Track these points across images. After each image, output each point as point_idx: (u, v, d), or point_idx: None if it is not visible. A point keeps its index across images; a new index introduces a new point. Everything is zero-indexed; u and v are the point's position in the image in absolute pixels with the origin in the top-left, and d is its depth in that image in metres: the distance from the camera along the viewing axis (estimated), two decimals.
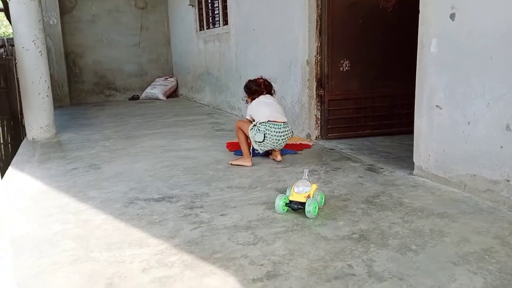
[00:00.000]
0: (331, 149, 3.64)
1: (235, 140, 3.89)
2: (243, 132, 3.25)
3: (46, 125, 4.61)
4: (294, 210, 2.17)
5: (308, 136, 4.05)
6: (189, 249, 1.83)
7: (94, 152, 3.83)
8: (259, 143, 3.16)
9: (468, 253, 1.72)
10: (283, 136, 3.15)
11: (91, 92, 8.43)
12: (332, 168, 3.03)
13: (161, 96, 8.25)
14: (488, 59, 2.20)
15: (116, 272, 1.67)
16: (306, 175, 2.29)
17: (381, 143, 3.80)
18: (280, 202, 2.18)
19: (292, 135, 3.27)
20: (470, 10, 2.28)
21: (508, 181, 2.16)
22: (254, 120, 3.25)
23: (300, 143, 3.81)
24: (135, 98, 8.52)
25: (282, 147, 3.23)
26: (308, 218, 2.11)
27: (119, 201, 2.48)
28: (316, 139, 4.02)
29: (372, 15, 3.84)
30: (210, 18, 6.77)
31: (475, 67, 2.27)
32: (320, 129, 4.04)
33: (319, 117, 4.01)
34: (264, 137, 3.11)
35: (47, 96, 4.61)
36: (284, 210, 2.19)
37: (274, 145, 3.16)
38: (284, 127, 3.16)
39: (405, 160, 3.12)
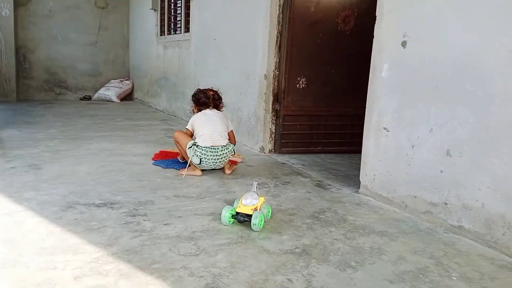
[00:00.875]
0: (283, 163, 3.68)
1: (171, 149, 3.92)
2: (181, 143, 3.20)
3: None
4: (240, 222, 2.16)
5: (262, 149, 4.07)
6: (127, 258, 1.77)
7: (35, 152, 3.64)
8: (196, 164, 3.11)
9: (404, 271, 1.77)
10: (221, 159, 3.12)
11: (40, 89, 8.06)
12: (282, 182, 3.06)
13: (114, 99, 8.03)
14: (434, 87, 2.31)
15: (46, 279, 1.58)
16: (255, 188, 2.30)
17: (331, 161, 3.89)
18: (226, 213, 2.17)
19: (233, 154, 3.21)
20: (421, 39, 2.40)
21: (446, 204, 2.26)
22: (193, 132, 3.21)
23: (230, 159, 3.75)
24: (86, 98, 8.24)
25: (221, 166, 3.19)
26: (254, 231, 2.11)
27: (57, 205, 2.36)
28: (269, 153, 4.05)
29: (331, 36, 3.96)
30: (172, 24, 6.71)
31: (423, 94, 2.39)
32: (274, 143, 4.07)
33: (274, 131, 4.06)
34: (200, 161, 3.07)
35: None
36: (230, 221, 2.17)
37: (211, 167, 3.14)
38: (222, 150, 3.09)
39: (353, 178, 3.21)
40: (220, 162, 3.13)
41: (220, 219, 2.22)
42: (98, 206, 2.38)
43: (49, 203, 2.38)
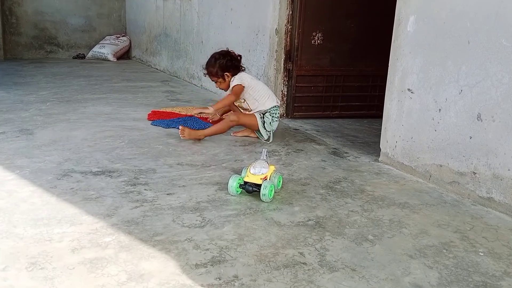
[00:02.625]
0: (296, 129, 3.68)
1: (163, 109, 4.03)
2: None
3: None
4: (248, 192, 2.18)
5: None
6: (128, 230, 1.81)
7: (27, 116, 3.68)
8: (269, 132, 3.26)
9: (426, 246, 1.80)
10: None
11: (29, 46, 8.05)
12: (295, 150, 3.07)
13: (110, 57, 8.00)
14: (465, 42, 2.26)
15: (42, 252, 1.63)
16: (265, 156, 2.30)
17: (349, 126, 3.87)
18: (233, 183, 2.19)
19: None
20: None
21: (474, 173, 2.26)
22: (245, 100, 3.27)
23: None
24: (80, 57, 8.23)
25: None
26: (263, 201, 2.14)
27: (52, 173, 2.41)
28: (280, 118, 4.03)
29: None
30: None
31: (452, 50, 2.33)
32: (286, 106, 4.06)
33: (286, 93, 4.03)
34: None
35: None
36: (237, 192, 2.20)
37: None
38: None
39: (372, 145, 3.21)
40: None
41: (227, 189, 2.24)
42: (95, 174, 2.42)
43: (43, 171, 2.43)
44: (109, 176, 2.40)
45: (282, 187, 2.34)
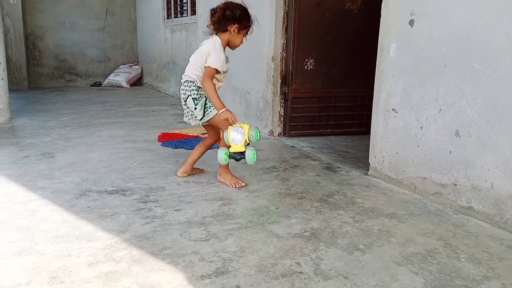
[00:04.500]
0: (292, 147, 3.69)
1: (172, 130, 4.03)
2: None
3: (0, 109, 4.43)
4: (237, 160, 2.39)
5: (271, 132, 4.08)
6: (139, 244, 1.81)
7: (48, 140, 3.71)
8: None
9: (412, 253, 1.79)
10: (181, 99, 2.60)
11: (51, 76, 8.14)
12: (291, 166, 3.08)
13: (124, 84, 8.07)
14: (442, 66, 2.28)
15: (61, 266, 1.64)
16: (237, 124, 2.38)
17: (341, 143, 3.88)
18: (222, 154, 2.38)
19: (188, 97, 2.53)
20: (428, 17, 2.35)
21: (455, 185, 2.26)
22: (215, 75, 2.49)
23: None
24: (97, 84, 8.30)
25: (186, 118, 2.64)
26: (250, 164, 2.38)
27: (70, 192, 2.42)
28: (278, 136, 4.06)
29: (339, 16, 3.90)
30: (178, 6, 6.67)
31: (431, 74, 2.36)
32: (283, 126, 4.07)
33: (282, 114, 4.05)
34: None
35: (2, 79, 4.42)
36: (227, 160, 2.41)
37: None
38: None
39: (362, 160, 3.21)
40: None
41: (230, 203, 2.25)
42: (110, 193, 2.43)
43: (62, 191, 2.44)
44: (123, 195, 2.41)
45: (260, 137, 2.42)
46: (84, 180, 2.66)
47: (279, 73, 3.94)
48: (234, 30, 2.48)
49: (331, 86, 4.06)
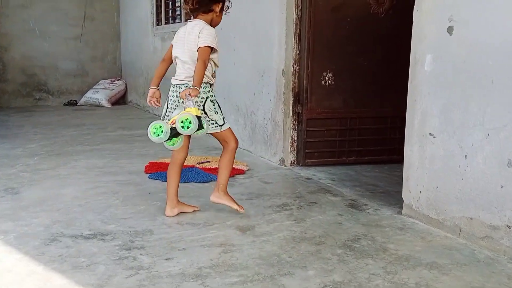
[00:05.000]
0: (308, 179, 3.69)
1: (161, 160, 4.05)
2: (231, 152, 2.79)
3: None
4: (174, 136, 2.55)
5: (282, 161, 4.09)
6: None
7: (12, 172, 3.75)
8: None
9: None
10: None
11: (17, 94, 8.29)
12: (307, 203, 3.08)
13: (105, 103, 8.18)
14: (489, 82, 2.30)
15: None
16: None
17: (367, 173, 3.88)
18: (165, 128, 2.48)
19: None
20: (470, 23, 2.39)
21: (509, 227, 2.24)
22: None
23: (233, 167, 3.62)
24: (72, 103, 8.43)
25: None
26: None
27: (39, 237, 2.43)
28: (291, 165, 4.07)
29: (362, 20, 3.97)
30: (170, 11, 6.82)
31: (475, 91, 2.37)
32: (296, 153, 4.09)
33: (296, 138, 4.07)
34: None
35: None
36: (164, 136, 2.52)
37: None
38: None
39: (394, 195, 3.20)
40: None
41: (231, 251, 2.24)
42: (86, 238, 2.44)
43: (29, 236, 2.45)
44: (102, 240, 2.41)
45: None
46: (55, 222, 2.66)
47: (291, 89, 3.99)
48: (220, 10, 2.70)
49: (354, 104, 4.09)
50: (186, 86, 2.63)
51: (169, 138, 2.56)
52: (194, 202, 2.99)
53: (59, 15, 8.37)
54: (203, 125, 2.49)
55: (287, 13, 3.90)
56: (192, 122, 2.42)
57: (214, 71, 2.79)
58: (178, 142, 2.66)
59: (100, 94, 8.28)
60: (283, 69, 4.00)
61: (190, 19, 2.79)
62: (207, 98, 2.67)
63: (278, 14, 3.99)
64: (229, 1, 2.80)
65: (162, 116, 2.77)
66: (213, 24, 2.73)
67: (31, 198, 3.10)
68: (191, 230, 2.57)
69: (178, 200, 2.82)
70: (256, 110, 4.44)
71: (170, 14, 6.82)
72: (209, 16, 2.69)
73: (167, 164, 3.92)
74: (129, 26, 8.42)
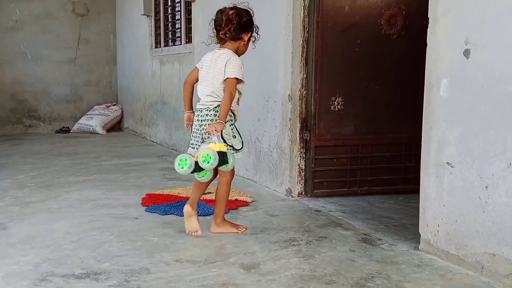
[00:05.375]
0: (317, 211, 3.68)
1: (159, 191, 4.09)
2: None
3: None
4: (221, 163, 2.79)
5: (289, 192, 4.09)
6: None
7: (0, 206, 3.75)
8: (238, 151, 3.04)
9: None
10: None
11: (5, 121, 8.36)
12: (316, 238, 3.06)
13: (99, 130, 8.23)
14: (509, 109, 2.31)
15: None
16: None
17: (381, 205, 3.87)
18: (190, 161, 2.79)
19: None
20: (488, 46, 2.42)
21: None
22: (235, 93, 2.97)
23: (236, 199, 3.83)
24: (64, 130, 8.48)
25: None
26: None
27: (27, 277, 2.42)
28: (298, 196, 4.06)
29: (373, 43, 4.02)
30: (170, 33, 6.93)
31: (495, 117, 2.38)
32: (304, 183, 4.09)
33: (303, 167, 4.08)
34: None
35: None
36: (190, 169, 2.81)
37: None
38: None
39: (410, 229, 3.19)
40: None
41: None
42: (79, 277, 2.43)
43: (17, 276, 2.44)
44: (95, 280, 2.40)
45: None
46: (45, 260, 2.66)
47: (298, 115, 4.01)
48: (247, 38, 3.00)
49: (366, 131, 4.11)
50: (208, 110, 2.96)
51: (194, 171, 2.85)
52: (198, 236, 2.98)
53: (52, 38, 8.49)
54: (228, 160, 2.81)
55: (293, 35, 3.96)
56: (212, 158, 2.72)
57: (238, 99, 3.07)
58: (207, 174, 2.94)
59: (94, 121, 8.34)
60: (289, 94, 4.03)
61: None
62: (226, 122, 2.90)
63: (284, 36, 4.05)
64: (257, 33, 3.07)
65: (238, 143, 3.01)
66: (238, 52, 3.02)
67: (19, 234, 3.10)
68: (191, 268, 2.56)
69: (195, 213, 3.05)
70: (261, 137, 4.46)
71: (170, 36, 6.92)
72: (237, 44, 2.99)
73: (165, 196, 3.96)
74: (126, 48, 8.53)
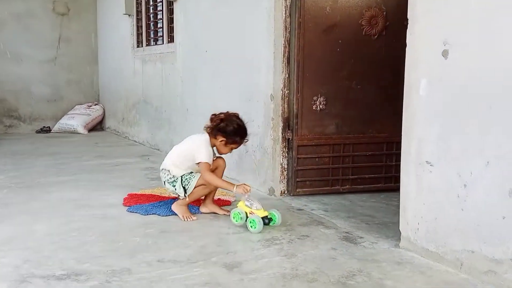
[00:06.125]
0: (299, 209, 3.70)
1: (141, 191, 4.13)
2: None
3: None
4: (266, 224, 3.17)
5: (271, 191, 4.10)
6: None
7: None
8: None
9: None
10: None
11: None
12: (298, 236, 3.07)
13: (81, 129, 8.18)
14: (487, 108, 2.35)
15: None
16: (248, 198, 3.24)
17: (363, 203, 3.90)
18: (260, 222, 3.11)
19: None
20: (466, 47, 2.45)
21: None
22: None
23: (219, 198, 3.88)
24: (45, 130, 8.41)
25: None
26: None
27: (7, 279, 2.39)
28: (281, 195, 4.07)
29: (354, 43, 4.04)
30: (152, 32, 6.90)
31: (473, 117, 2.42)
32: (287, 182, 4.10)
33: (286, 166, 4.09)
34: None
35: None
36: (260, 224, 3.12)
37: None
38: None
39: (391, 227, 3.21)
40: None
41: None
42: (59, 278, 2.41)
43: None
44: (76, 280, 2.38)
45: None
46: (26, 261, 2.63)
47: (280, 115, 4.02)
48: (221, 142, 3.41)
49: (348, 130, 4.14)
50: (163, 169, 3.57)
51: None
52: (180, 236, 2.98)
53: (32, 37, 8.41)
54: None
55: (275, 35, 3.96)
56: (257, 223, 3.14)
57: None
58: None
59: (75, 120, 8.28)
60: (271, 94, 4.04)
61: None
62: (164, 181, 3.55)
63: (266, 36, 4.06)
64: (244, 143, 3.56)
65: (181, 192, 3.46)
66: (217, 149, 3.51)
67: None
68: (173, 268, 2.55)
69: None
70: None
71: (152, 36, 6.88)
72: (214, 141, 3.44)
73: (147, 196, 3.94)
74: (107, 48, 8.48)
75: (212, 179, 3.34)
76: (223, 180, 3.43)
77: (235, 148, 3.52)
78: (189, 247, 2.86)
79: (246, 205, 3.20)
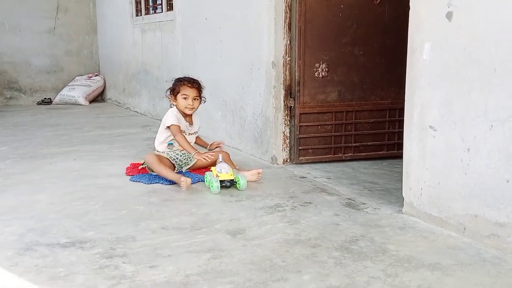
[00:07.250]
0: (302, 177, 3.71)
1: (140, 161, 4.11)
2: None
3: None
4: (227, 187, 3.32)
5: (274, 159, 4.10)
6: None
7: None
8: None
9: None
10: None
11: None
12: (301, 203, 3.09)
13: (81, 101, 8.16)
14: (492, 70, 2.32)
15: None
16: (221, 159, 3.49)
17: (365, 170, 3.90)
18: (216, 183, 3.24)
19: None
20: (471, 8, 2.41)
21: None
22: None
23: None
24: (46, 102, 8.40)
25: None
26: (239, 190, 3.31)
27: (12, 247, 2.42)
28: (283, 164, 4.08)
29: (356, 8, 3.98)
30: (150, 1, 6.80)
31: (477, 80, 2.39)
32: (289, 150, 4.11)
33: (288, 135, 4.09)
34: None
35: None
36: (219, 188, 3.26)
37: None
38: None
39: (394, 193, 3.22)
40: None
41: (220, 256, 2.25)
42: (64, 246, 2.43)
43: (1, 246, 2.44)
44: (81, 248, 2.41)
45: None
46: (30, 230, 2.65)
47: (282, 82, 4.00)
48: (175, 98, 3.79)
49: (350, 97, 4.12)
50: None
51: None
52: (184, 204, 2.99)
53: (30, 7, 8.32)
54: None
55: (275, 0, 3.90)
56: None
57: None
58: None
59: (76, 91, 8.26)
60: (273, 61, 4.00)
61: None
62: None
63: (267, 2, 4.00)
64: (191, 88, 3.79)
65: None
66: (181, 110, 3.81)
67: (2, 205, 3.08)
68: (177, 235, 2.57)
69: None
70: (245, 105, 4.44)
71: (151, 4, 6.80)
72: (176, 106, 3.82)
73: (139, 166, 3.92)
74: (106, 17, 8.39)
75: (180, 140, 3.64)
76: (188, 144, 3.67)
77: (194, 99, 3.76)
78: (192, 215, 2.88)
79: (216, 170, 3.36)
